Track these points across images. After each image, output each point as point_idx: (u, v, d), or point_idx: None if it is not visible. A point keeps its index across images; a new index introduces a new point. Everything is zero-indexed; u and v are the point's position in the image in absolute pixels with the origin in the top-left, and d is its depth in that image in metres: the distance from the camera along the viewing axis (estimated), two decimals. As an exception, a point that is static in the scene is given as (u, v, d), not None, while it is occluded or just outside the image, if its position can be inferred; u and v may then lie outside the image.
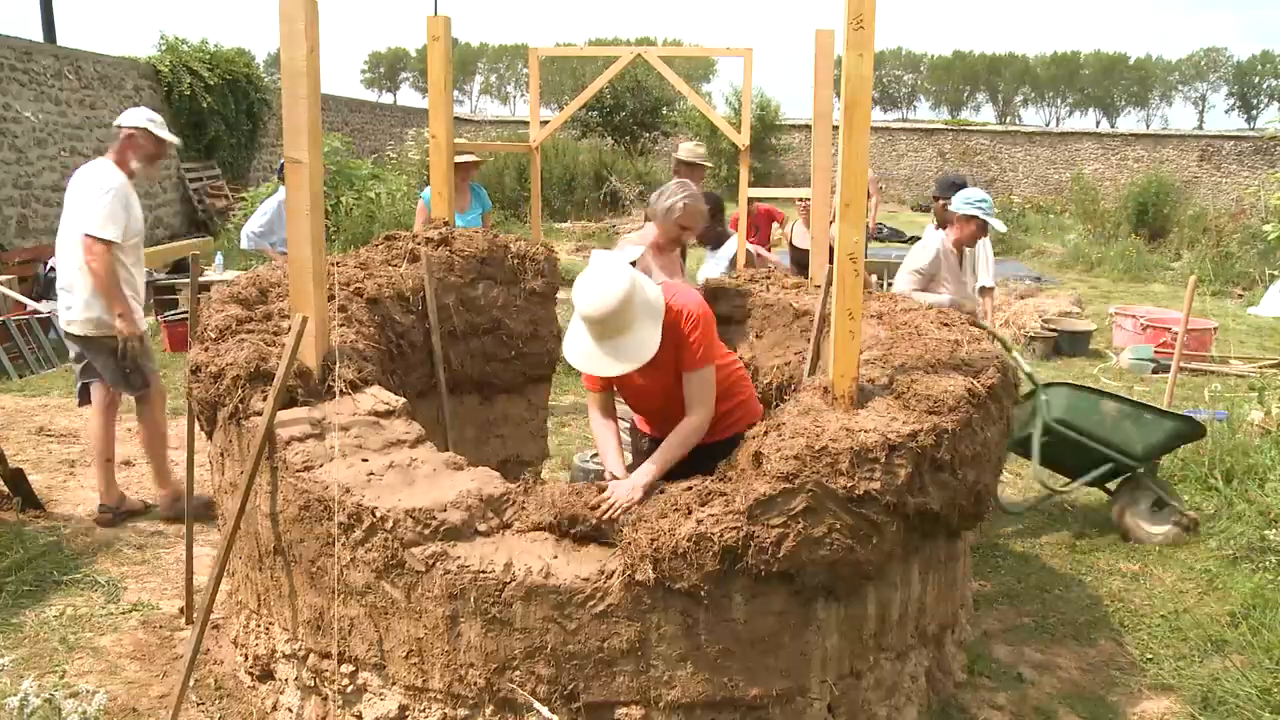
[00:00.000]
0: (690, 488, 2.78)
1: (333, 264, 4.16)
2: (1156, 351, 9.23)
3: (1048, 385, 5.13)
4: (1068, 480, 5.20)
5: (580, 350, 3.05)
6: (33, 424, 6.48)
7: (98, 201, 4.69)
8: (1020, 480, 5.81)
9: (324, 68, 3.13)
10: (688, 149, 7.30)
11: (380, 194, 12.66)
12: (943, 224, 5.31)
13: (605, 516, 2.74)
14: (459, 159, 6.61)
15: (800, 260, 7.42)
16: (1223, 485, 5.42)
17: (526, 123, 7.30)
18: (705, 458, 3.10)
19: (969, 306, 5.04)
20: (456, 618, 2.71)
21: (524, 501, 2.84)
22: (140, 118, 4.90)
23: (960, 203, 5.15)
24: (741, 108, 5.82)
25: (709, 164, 7.33)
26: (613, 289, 2.90)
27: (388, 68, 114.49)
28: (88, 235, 4.67)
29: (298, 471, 2.90)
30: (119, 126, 4.93)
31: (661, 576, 2.61)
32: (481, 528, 2.76)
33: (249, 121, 17.01)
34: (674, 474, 2.98)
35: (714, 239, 6.57)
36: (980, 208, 5.12)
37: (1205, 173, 27.60)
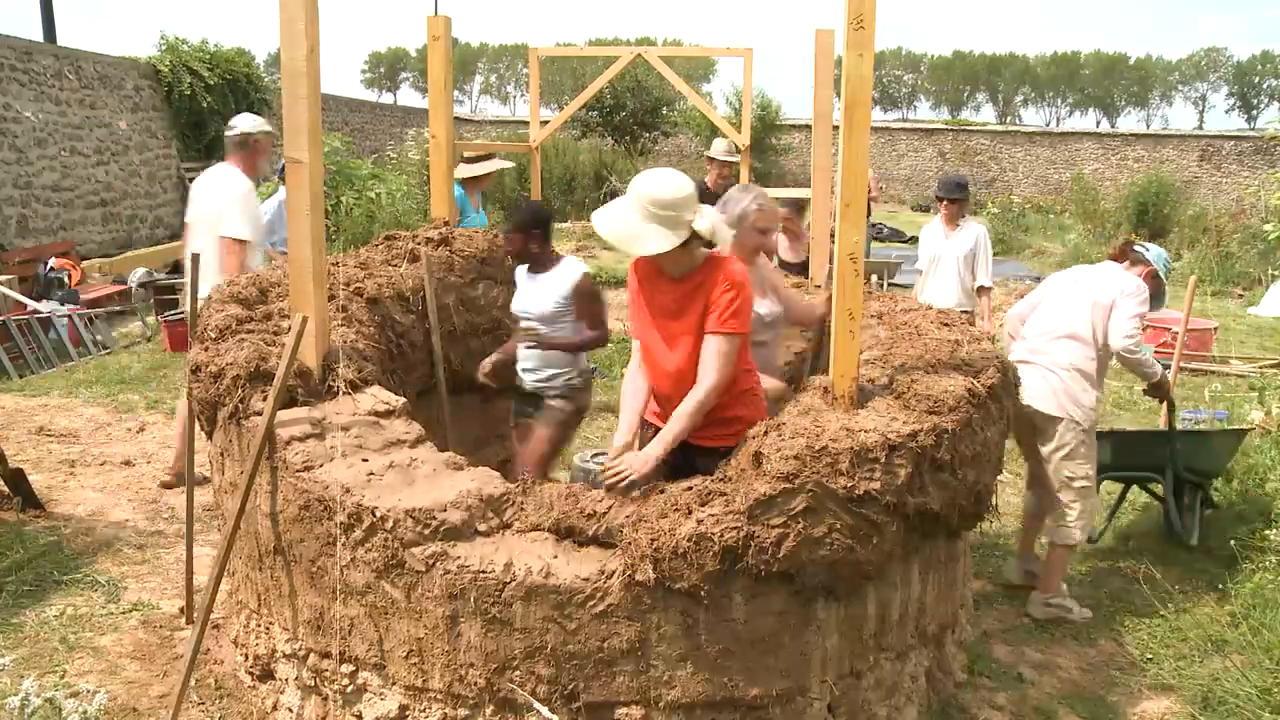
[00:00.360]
0: (690, 488, 2.78)
1: (332, 264, 4.16)
2: (1156, 352, 9.23)
3: (1182, 434, 5.05)
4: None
5: (613, 221, 3.08)
6: (33, 424, 6.48)
7: (233, 206, 5.17)
8: (1020, 480, 5.80)
9: (324, 68, 3.13)
10: (722, 147, 7.26)
11: (380, 194, 12.65)
12: (1120, 258, 4.51)
13: (614, 483, 2.85)
14: (490, 166, 6.56)
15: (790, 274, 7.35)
16: (1222, 485, 5.42)
17: (526, 123, 7.31)
18: (703, 462, 3.10)
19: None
20: (456, 618, 2.71)
21: (523, 502, 2.84)
22: (262, 123, 5.38)
23: (1161, 261, 4.53)
24: (742, 108, 5.82)
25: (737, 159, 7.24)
26: (684, 182, 3.05)
27: (388, 68, 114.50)
28: (225, 237, 5.09)
29: (298, 471, 2.90)
30: (244, 134, 5.34)
31: (661, 576, 2.61)
32: (481, 528, 2.76)
33: (249, 122, 17.00)
34: (672, 478, 2.98)
35: (535, 259, 4.26)
36: (1166, 270, 4.59)
37: (1205, 173, 27.58)
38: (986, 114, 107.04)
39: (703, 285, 3.12)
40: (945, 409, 3.00)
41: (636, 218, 3.02)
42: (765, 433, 2.87)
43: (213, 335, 3.40)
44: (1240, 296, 13.38)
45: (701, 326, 3.10)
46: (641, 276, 3.27)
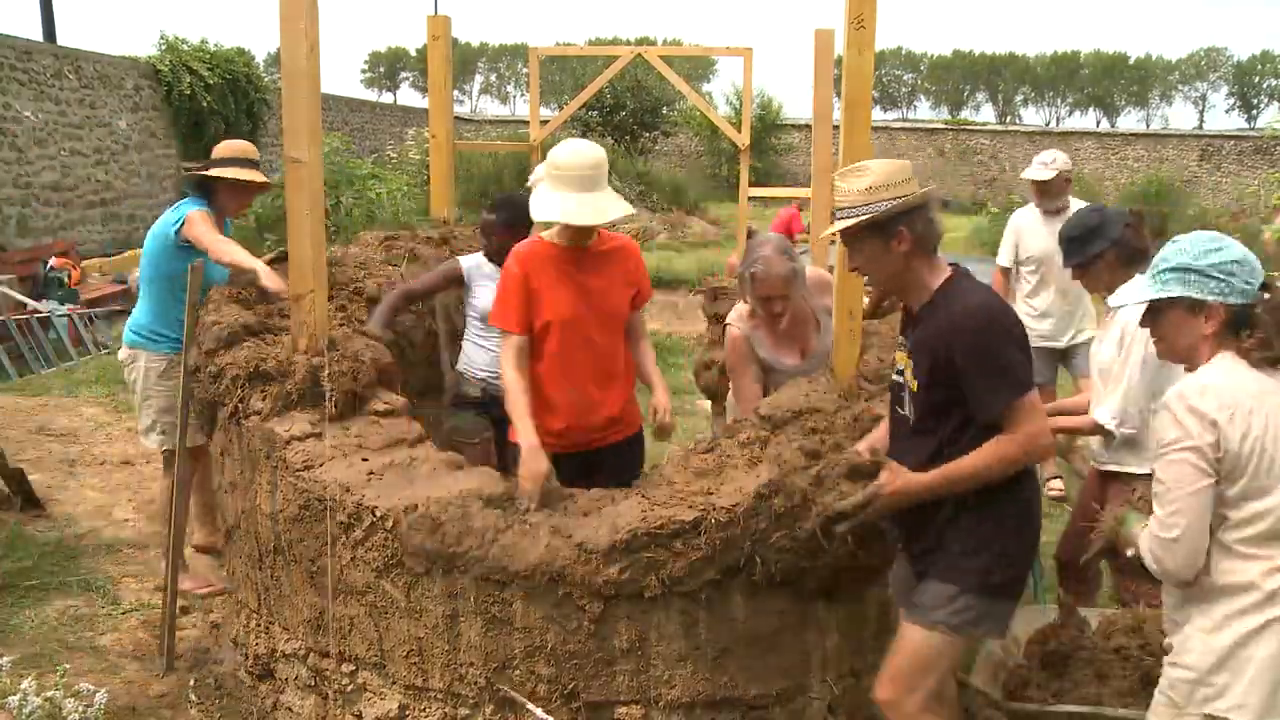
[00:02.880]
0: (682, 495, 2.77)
1: (332, 264, 4.17)
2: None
3: None
4: None
5: (559, 205, 2.97)
6: (33, 424, 6.48)
7: None
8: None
9: (324, 68, 3.13)
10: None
11: (380, 194, 12.66)
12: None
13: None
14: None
15: None
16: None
17: (526, 122, 7.30)
18: (611, 457, 3.27)
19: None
20: (456, 617, 2.71)
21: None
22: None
23: None
24: (742, 108, 5.82)
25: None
26: (593, 147, 3.04)
27: (388, 67, 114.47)
28: None
29: (298, 471, 2.90)
30: None
31: (662, 578, 2.60)
32: (481, 526, 2.76)
33: (249, 121, 16.99)
34: (592, 476, 3.04)
35: None
36: None
37: (1205, 172, 27.60)
38: (986, 114, 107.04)
39: (616, 250, 3.24)
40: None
41: (604, 188, 3.01)
42: (767, 443, 2.87)
43: (212, 335, 3.39)
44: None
45: (628, 301, 3.22)
46: (542, 259, 3.14)
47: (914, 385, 2.48)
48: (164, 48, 15.93)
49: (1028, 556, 2.55)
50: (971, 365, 2.33)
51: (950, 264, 2.51)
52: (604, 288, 3.16)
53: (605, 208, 2.98)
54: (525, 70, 13.98)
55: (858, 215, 2.41)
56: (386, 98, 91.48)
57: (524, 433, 2.89)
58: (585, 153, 2.99)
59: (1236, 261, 2.16)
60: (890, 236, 2.42)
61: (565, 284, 3.10)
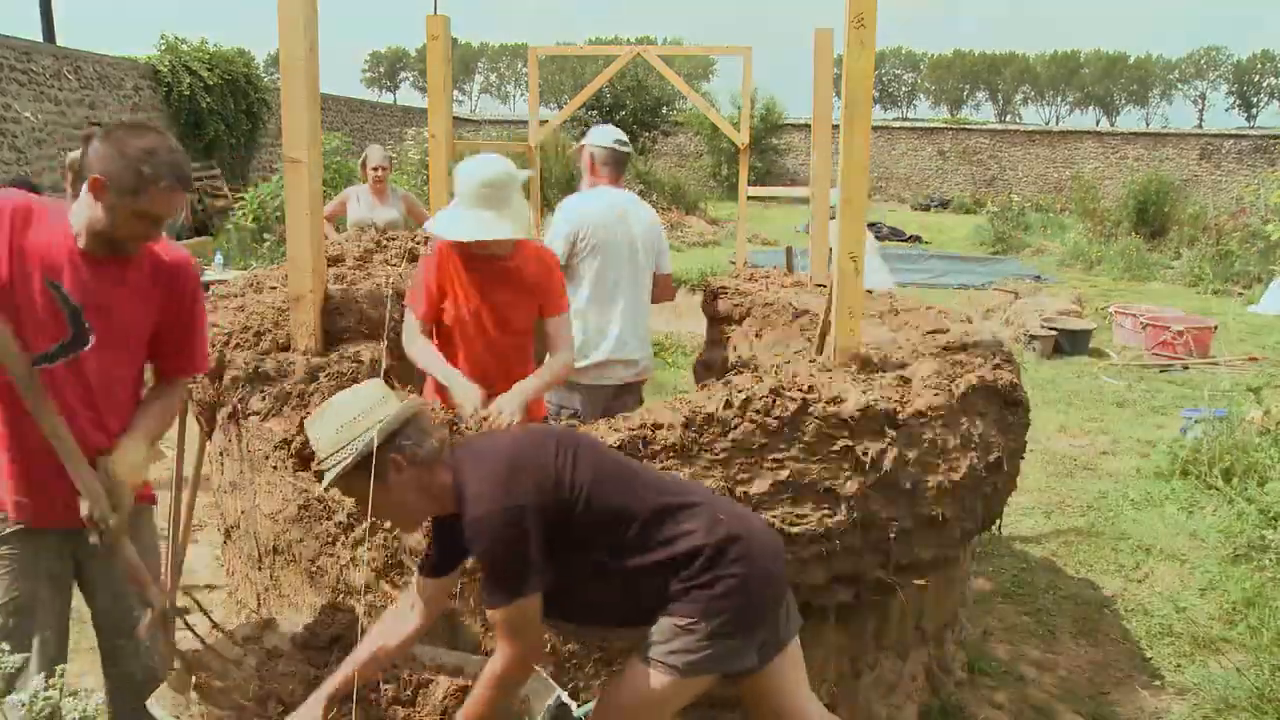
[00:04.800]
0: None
1: (332, 263, 4.16)
2: (1155, 350, 9.31)
3: None
4: None
5: (463, 223, 3.02)
6: (33, 424, 6.47)
7: None
8: (1023, 479, 5.80)
9: (324, 68, 3.13)
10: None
11: (380, 194, 12.64)
12: None
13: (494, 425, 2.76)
14: None
15: None
16: (1222, 484, 5.43)
17: (526, 122, 7.31)
18: None
19: None
20: (456, 617, 2.71)
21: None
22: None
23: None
24: (742, 107, 5.82)
25: None
26: (504, 162, 3.08)
27: (388, 67, 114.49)
28: None
29: (297, 471, 2.90)
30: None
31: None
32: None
33: (249, 121, 17.01)
34: None
35: None
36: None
37: (1205, 171, 27.61)
38: (986, 113, 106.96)
39: (523, 264, 3.22)
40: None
41: (511, 204, 3.06)
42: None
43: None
44: (1240, 295, 13.36)
45: (534, 308, 3.26)
46: (455, 259, 3.20)
47: None
48: (164, 48, 15.95)
49: None
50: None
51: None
52: (508, 299, 3.24)
53: (479, 227, 3.02)
54: (525, 70, 13.98)
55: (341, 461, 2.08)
56: (386, 98, 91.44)
57: (451, 376, 3.05)
58: (479, 170, 3.04)
59: None
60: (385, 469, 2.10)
61: (470, 289, 3.21)
